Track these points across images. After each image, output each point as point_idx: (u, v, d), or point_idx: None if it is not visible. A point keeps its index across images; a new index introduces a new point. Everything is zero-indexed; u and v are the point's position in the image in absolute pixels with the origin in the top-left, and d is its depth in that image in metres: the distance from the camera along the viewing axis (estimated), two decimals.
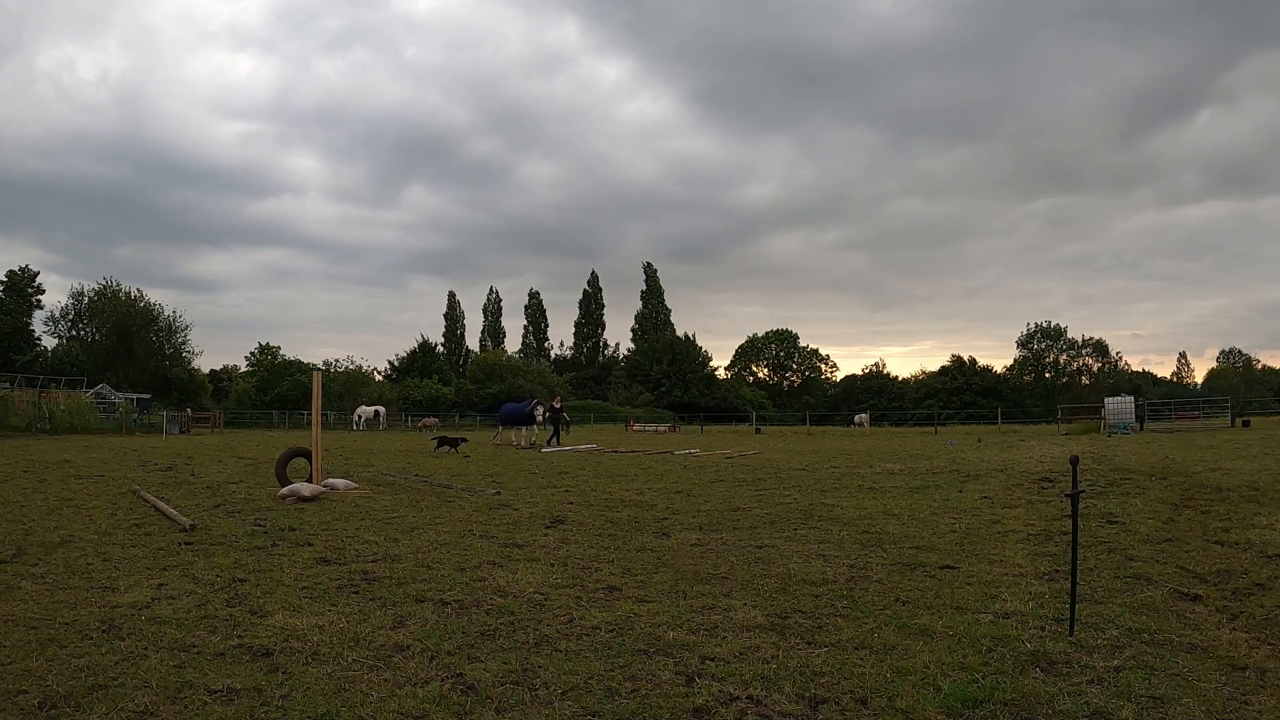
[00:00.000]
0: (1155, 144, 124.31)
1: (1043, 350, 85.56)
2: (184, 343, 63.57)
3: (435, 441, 19.88)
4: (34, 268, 62.87)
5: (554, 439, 23.71)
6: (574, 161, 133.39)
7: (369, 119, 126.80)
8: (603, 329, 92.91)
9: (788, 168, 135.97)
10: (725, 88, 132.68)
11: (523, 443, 23.00)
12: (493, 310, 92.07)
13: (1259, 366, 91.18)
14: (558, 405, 25.23)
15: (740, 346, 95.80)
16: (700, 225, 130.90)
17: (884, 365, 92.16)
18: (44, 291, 62.15)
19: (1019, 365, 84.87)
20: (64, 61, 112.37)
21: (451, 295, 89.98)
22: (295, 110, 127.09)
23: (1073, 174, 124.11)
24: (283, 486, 9.71)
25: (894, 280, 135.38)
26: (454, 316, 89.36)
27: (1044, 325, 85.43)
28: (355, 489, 9.84)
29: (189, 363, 64.55)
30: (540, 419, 23.84)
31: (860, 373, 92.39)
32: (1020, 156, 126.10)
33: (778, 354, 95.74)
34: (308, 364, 62.07)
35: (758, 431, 45.01)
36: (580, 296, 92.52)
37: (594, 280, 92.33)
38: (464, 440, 20.06)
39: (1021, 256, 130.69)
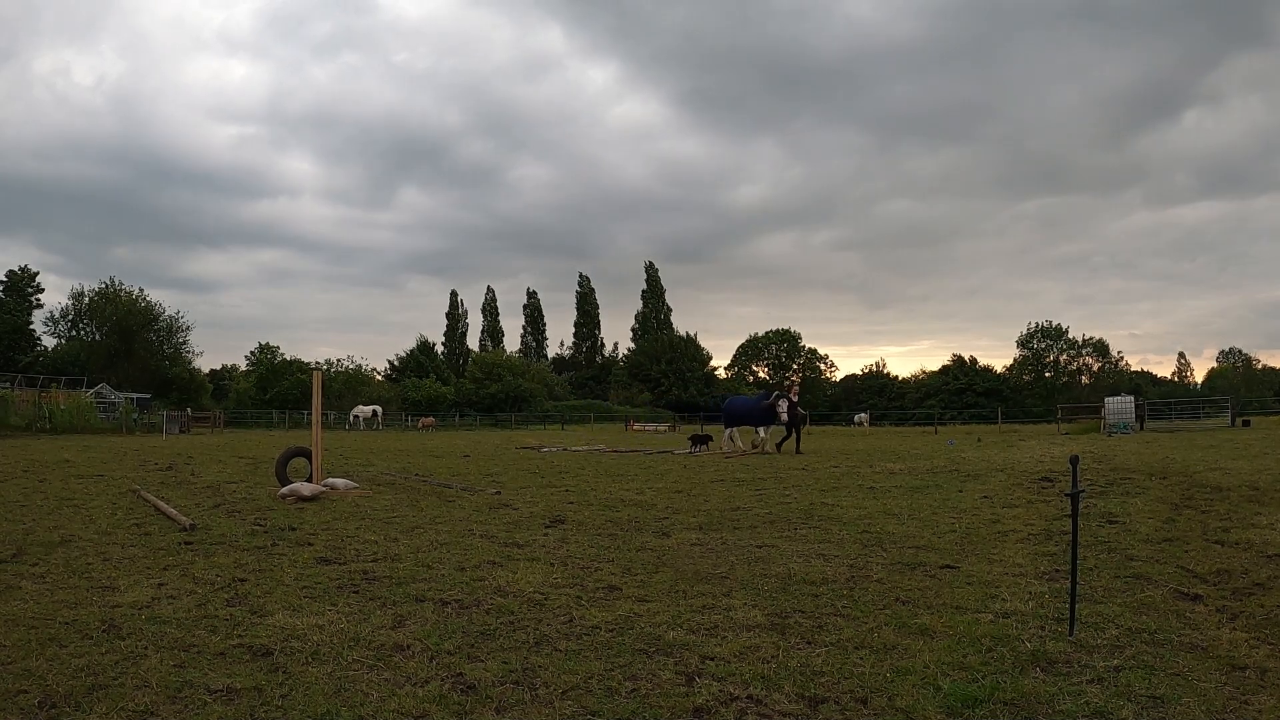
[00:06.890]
0: (1143, 144, 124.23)
1: (1043, 350, 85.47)
2: (184, 342, 63.76)
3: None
4: (33, 268, 63.03)
5: (793, 440, 19.15)
6: (565, 164, 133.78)
7: (361, 122, 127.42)
8: (598, 329, 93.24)
9: (776, 169, 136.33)
10: (710, 91, 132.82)
11: (764, 446, 19.03)
12: (490, 310, 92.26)
13: (1259, 366, 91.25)
14: (795, 398, 19.66)
15: (741, 346, 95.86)
16: (693, 226, 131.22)
17: (884, 365, 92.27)
18: (44, 291, 62.29)
19: (1019, 365, 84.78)
20: (60, 66, 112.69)
21: (454, 295, 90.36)
22: (288, 114, 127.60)
23: (1062, 175, 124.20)
24: (283, 486, 9.71)
25: (889, 280, 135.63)
26: (455, 316, 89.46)
27: (1044, 325, 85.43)
28: (355, 489, 9.84)
29: (189, 362, 64.70)
30: (783, 415, 18.72)
31: (860, 372, 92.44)
32: (1009, 158, 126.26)
33: (778, 354, 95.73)
34: (308, 363, 62.09)
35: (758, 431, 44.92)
36: (575, 298, 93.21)
37: (584, 281, 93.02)
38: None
39: (1015, 257, 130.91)
